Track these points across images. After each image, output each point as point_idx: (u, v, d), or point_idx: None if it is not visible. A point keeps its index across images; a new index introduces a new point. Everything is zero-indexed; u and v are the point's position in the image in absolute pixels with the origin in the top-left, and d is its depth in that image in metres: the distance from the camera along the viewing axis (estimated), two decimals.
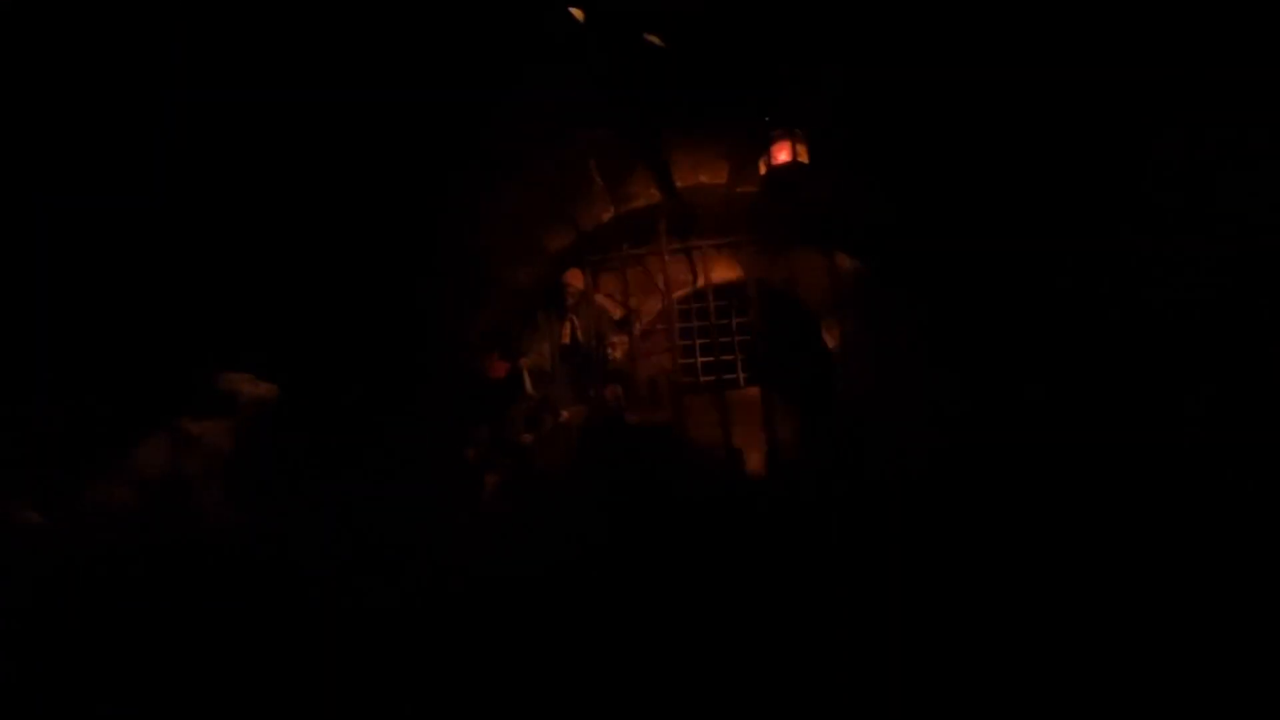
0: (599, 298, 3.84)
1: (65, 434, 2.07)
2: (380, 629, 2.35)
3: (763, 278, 3.96)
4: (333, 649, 2.14)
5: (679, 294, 4.13)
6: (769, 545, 2.90)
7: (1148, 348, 2.22)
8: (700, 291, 4.00)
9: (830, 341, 4.21)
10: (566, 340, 3.68)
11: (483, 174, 3.39)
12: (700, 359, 3.96)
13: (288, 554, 2.34)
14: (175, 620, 1.94)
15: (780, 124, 2.63)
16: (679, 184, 3.47)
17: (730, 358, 3.93)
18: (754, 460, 3.58)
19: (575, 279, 3.66)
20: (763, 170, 2.78)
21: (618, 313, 3.87)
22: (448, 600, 2.57)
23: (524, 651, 2.35)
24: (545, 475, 3.43)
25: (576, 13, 2.47)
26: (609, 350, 3.55)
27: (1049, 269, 2.55)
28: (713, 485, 3.46)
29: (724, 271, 4.09)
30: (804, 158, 2.60)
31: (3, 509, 1.94)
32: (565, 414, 3.41)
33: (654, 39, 2.52)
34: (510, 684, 2.23)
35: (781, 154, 2.60)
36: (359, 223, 3.11)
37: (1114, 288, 2.35)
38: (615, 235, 3.71)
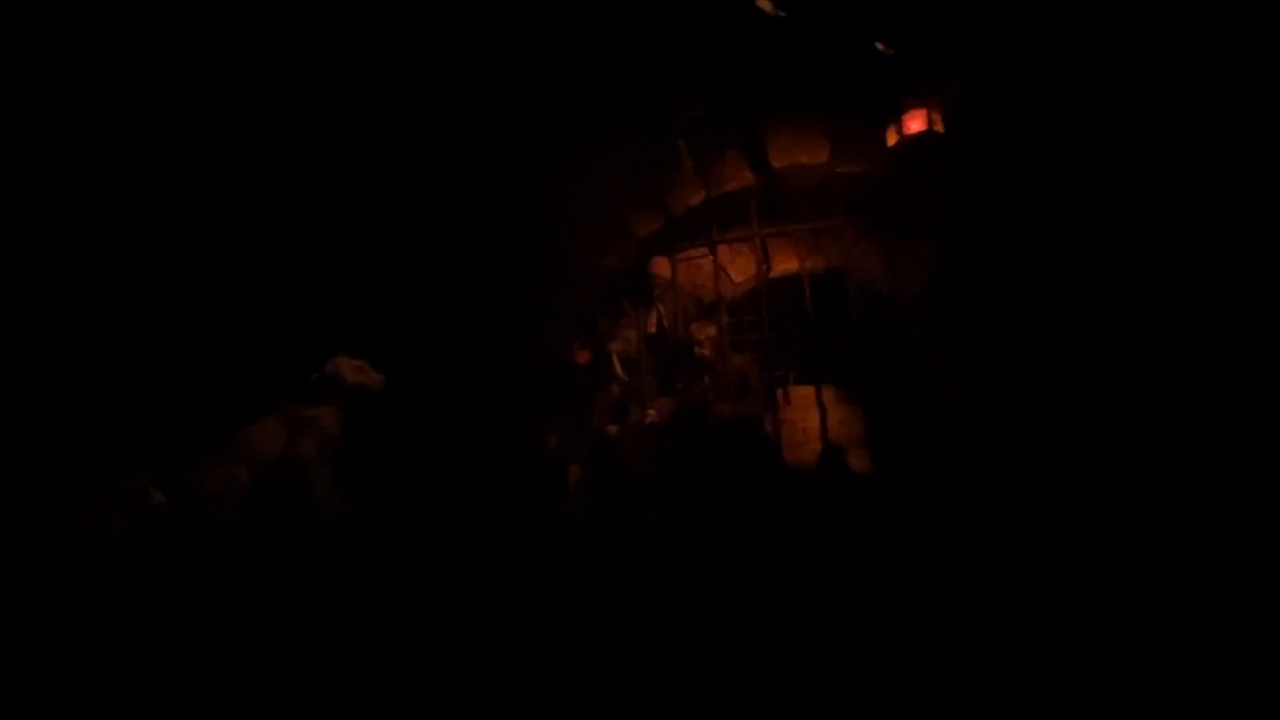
0: (685, 285, 3.70)
1: (186, 415, 2.07)
2: (477, 627, 2.30)
3: (838, 267, 3.73)
4: (435, 643, 2.09)
5: (751, 284, 3.95)
6: (868, 548, 2.72)
7: (1251, 356, 2.02)
8: (777, 281, 3.81)
9: (913, 336, 3.95)
10: (652, 329, 3.55)
11: (572, 159, 3.31)
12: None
13: (392, 545, 2.30)
14: (287, 607, 1.92)
15: (914, 90, 2.40)
16: (775, 164, 3.28)
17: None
18: (855, 458, 3.38)
19: (662, 268, 3.52)
20: (891, 141, 2.55)
21: (706, 300, 3.72)
22: (532, 598, 2.51)
23: (608, 652, 2.25)
24: (632, 469, 3.32)
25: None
26: (697, 340, 3.40)
27: (1150, 274, 2.39)
28: (809, 482, 3.29)
29: (785, 262, 3.88)
30: (939, 127, 2.36)
31: (131, 488, 1.96)
32: (652, 410, 3.28)
33: (767, 5, 2.34)
34: (595, 685, 2.14)
35: (915, 123, 2.37)
36: (453, 213, 3.09)
37: (1218, 295, 2.20)
38: (705, 219, 3.55)
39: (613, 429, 3.47)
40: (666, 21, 3.09)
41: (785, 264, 3.82)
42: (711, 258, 3.58)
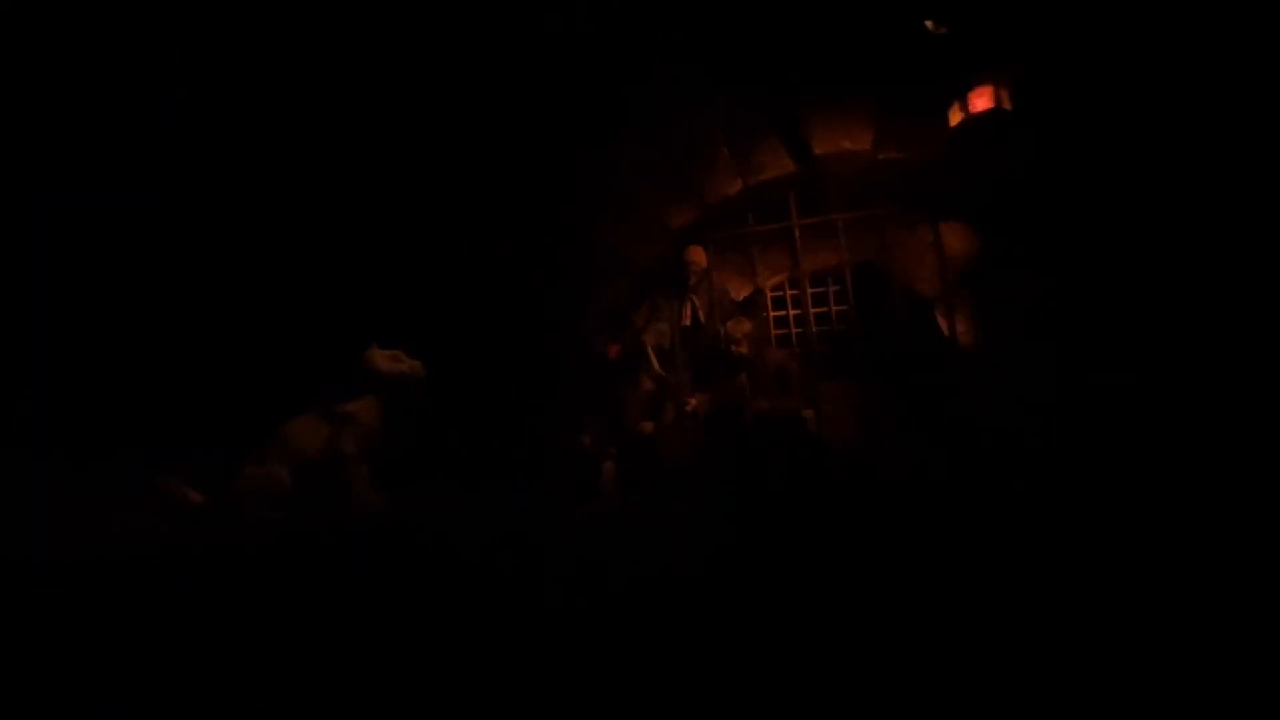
0: (720, 278, 3.59)
1: (223, 412, 2.01)
2: (516, 629, 2.23)
3: (876, 259, 3.60)
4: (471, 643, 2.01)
5: (781, 279, 3.84)
6: (913, 547, 2.61)
7: None
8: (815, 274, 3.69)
9: (947, 328, 3.82)
10: (687, 322, 3.45)
11: (605, 149, 3.21)
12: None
13: (429, 543, 2.23)
14: (326, 609, 1.85)
15: (981, 66, 2.27)
16: (818, 151, 3.16)
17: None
18: (885, 455, 3.26)
19: (698, 256, 3.42)
20: (954, 121, 2.41)
21: (741, 293, 3.62)
22: (569, 601, 2.44)
23: (648, 655, 2.17)
24: (669, 467, 3.23)
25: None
26: (733, 334, 3.30)
27: (1204, 275, 2.29)
28: (851, 479, 3.18)
29: (822, 254, 3.76)
30: (1008, 104, 2.23)
31: (166, 487, 1.89)
32: (693, 400, 3.19)
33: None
34: (635, 687, 2.06)
35: (981, 100, 2.24)
36: (483, 208, 3.02)
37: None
38: (741, 210, 3.44)
39: (647, 426, 3.38)
40: (703, 5, 2.98)
41: (822, 257, 3.71)
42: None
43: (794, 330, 3.72)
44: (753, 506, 2.85)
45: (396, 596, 2.00)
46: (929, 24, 2.61)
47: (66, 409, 2.08)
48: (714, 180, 3.32)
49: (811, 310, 3.57)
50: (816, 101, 3.14)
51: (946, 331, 3.79)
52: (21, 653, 1.64)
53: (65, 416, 2.06)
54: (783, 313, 3.79)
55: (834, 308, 3.63)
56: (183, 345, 2.35)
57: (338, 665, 1.84)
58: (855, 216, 3.47)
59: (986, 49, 2.32)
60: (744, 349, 3.25)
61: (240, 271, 2.56)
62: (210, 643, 1.75)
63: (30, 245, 2.14)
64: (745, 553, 2.62)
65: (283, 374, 2.45)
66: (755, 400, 3.23)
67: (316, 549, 1.89)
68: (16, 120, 2.24)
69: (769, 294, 3.75)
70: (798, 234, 3.36)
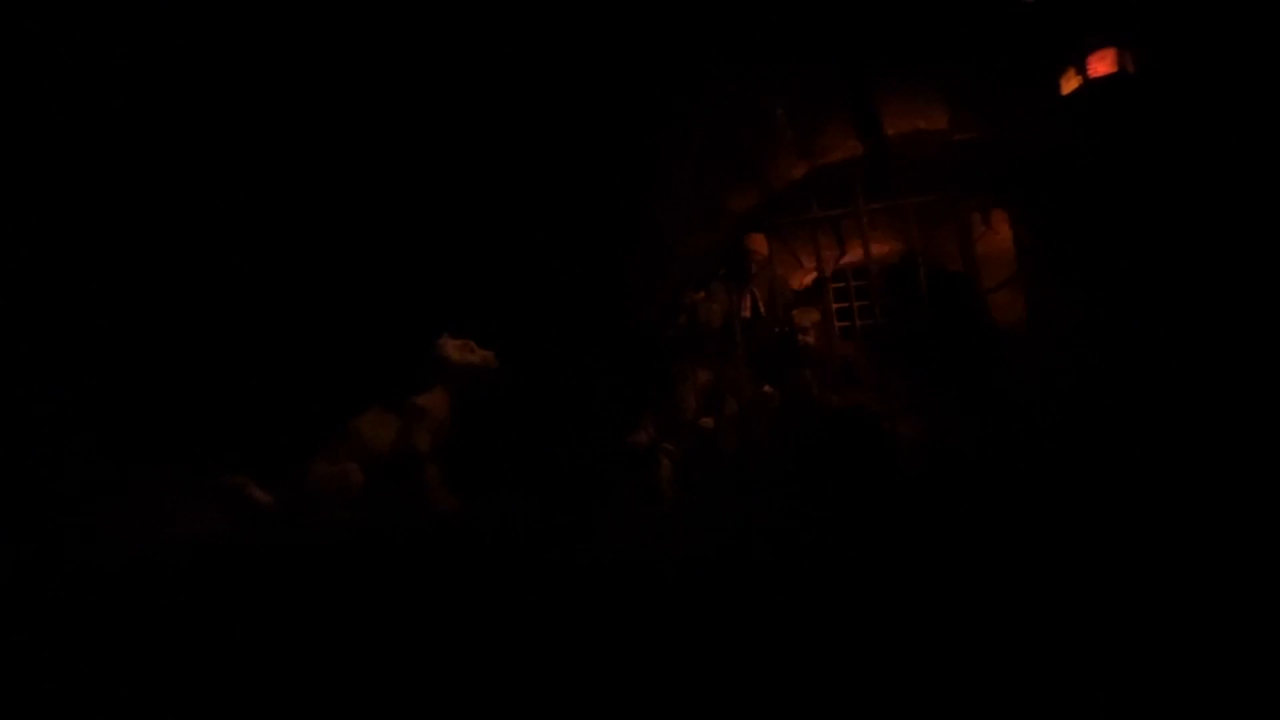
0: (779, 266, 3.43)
1: (289, 407, 1.89)
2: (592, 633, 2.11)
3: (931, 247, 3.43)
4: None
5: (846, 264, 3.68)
6: (988, 546, 2.46)
7: None
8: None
9: (1003, 320, 3.64)
10: (747, 314, 3.30)
11: (666, 130, 3.07)
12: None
13: (501, 548, 2.10)
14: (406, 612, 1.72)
15: (1101, 27, 2.08)
16: (890, 132, 3.00)
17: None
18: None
19: (759, 244, 3.26)
20: (1067, 89, 2.22)
21: (801, 281, 3.46)
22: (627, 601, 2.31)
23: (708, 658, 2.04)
24: (732, 464, 3.08)
25: None
26: (800, 323, 3.14)
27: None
28: (924, 479, 3.02)
29: (886, 241, 3.60)
30: (1132, 68, 2.04)
31: (230, 486, 1.77)
32: (769, 388, 3.03)
33: None
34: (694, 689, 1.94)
35: (1102, 64, 2.04)
36: (543, 198, 2.90)
37: None
38: (803, 194, 3.28)
39: (707, 421, 3.23)
40: None
41: (887, 244, 3.54)
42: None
43: (857, 322, 3.55)
44: (822, 509, 2.70)
45: (472, 603, 1.88)
46: None
47: (123, 408, 1.98)
48: (777, 163, 3.16)
49: (875, 302, 3.42)
50: (889, 78, 2.97)
51: (1007, 321, 3.62)
52: (88, 657, 1.55)
53: (122, 415, 1.96)
54: (844, 304, 3.64)
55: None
56: (238, 338, 2.24)
57: (418, 672, 1.73)
58: (926, 201, 3.30)
59: (1106, 7, 2.12)
60: (811, 339, 3.09)
61: (296, 262, 2.45)
62: (287, 649, 1.64)
63: (92, 239, 2.05)
64: (813, 558, 2.47)
65: (338, 367, 2.34)
66: (823, 394, 3.07)
67: (393, 551, 1.76)
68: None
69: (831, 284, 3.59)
70: (866, 219, 3.19)
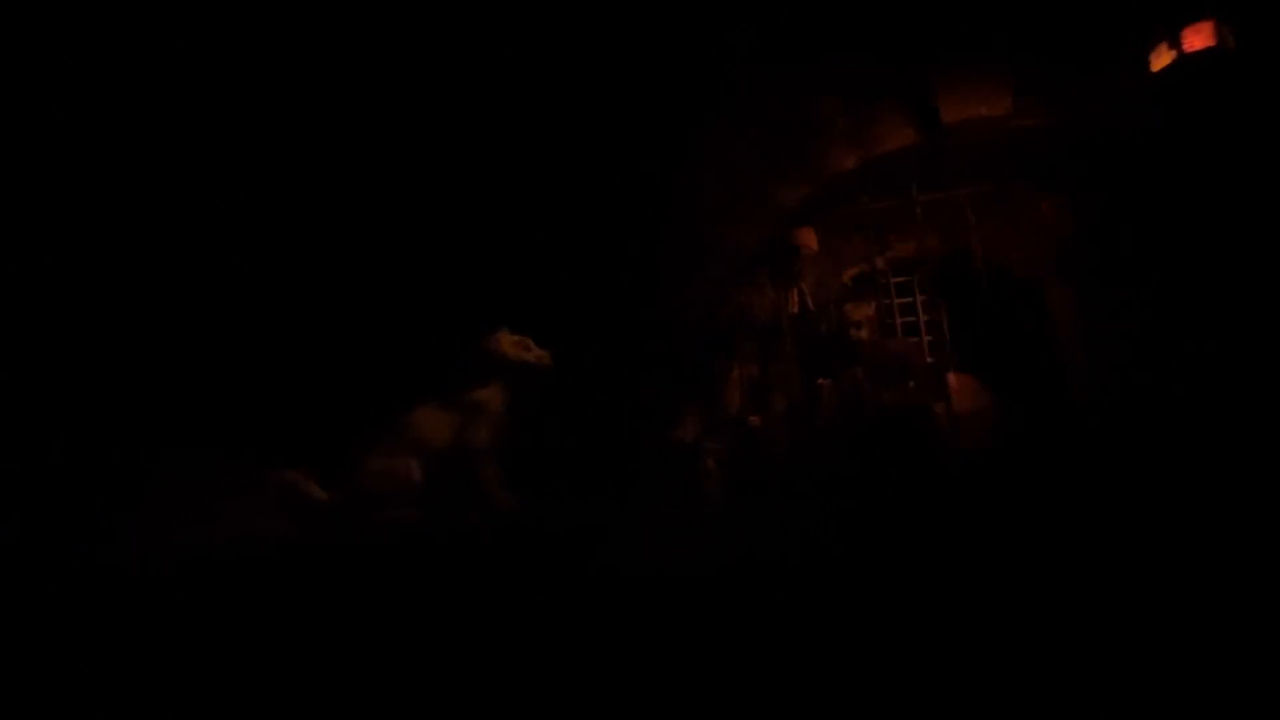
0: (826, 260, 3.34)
1: (342, 400, 1.81)
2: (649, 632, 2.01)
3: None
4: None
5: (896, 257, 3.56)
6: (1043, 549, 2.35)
7: None
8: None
9: (1060, 316, 3.50)
10: (795, 310, 3.20)
11: (713, 121, 2.98)
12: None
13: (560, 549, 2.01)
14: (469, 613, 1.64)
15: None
16: (948, 119, 2.88)
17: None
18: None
19: (809, 239, 3.17)
20: (1158, 65, 2.09)
21: (847, 276, 3.36)
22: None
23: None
24: (781, 463, 2.98)
25: None
26: (852, 317, 3.04)
27: None
28: (981, 483, 2.90)
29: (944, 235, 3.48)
30: (1232, 43, 1.91)
31: (285, 481, 1.70)
32: (824, 380, 2.93)
33: None
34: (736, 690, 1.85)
35: (1198, 38, 1.91)
36: (585, 193, 2.83)
37: None
38: (853, 186, 3.18)
39: (755, 419, 3.13)
40: None
41: (937, 236, 3.42)
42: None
43: (910, 318, 3.44)
44: (874, 513, 2.59)
45: (533, 603, 1.80)
46: None
47: (176, 404, 1.92)
48: (828, 154, 3.06)
49: (920, 299, 3.31)
50: (947, 63, 2.86)
51: (1059, 317, 3.49)
52: (144, 656, 1.49)
53: (175, 411, 1.90)
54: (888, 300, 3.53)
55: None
56: (287, 332, 2.18)
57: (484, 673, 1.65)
58: (980, 191, 3.18)
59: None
60: (864, 334, 2.98)
61: (344, 257, 2.39)
62: (352, 648, 1.57)
63: (150, 230, 2.00)
64: (864, 566, 2.36)
65: (384, 363, 2.28)
66: (876, 392, 2.96)
67: (455, 551, 1.68)
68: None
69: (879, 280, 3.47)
70: (920, 211, 3.08)
